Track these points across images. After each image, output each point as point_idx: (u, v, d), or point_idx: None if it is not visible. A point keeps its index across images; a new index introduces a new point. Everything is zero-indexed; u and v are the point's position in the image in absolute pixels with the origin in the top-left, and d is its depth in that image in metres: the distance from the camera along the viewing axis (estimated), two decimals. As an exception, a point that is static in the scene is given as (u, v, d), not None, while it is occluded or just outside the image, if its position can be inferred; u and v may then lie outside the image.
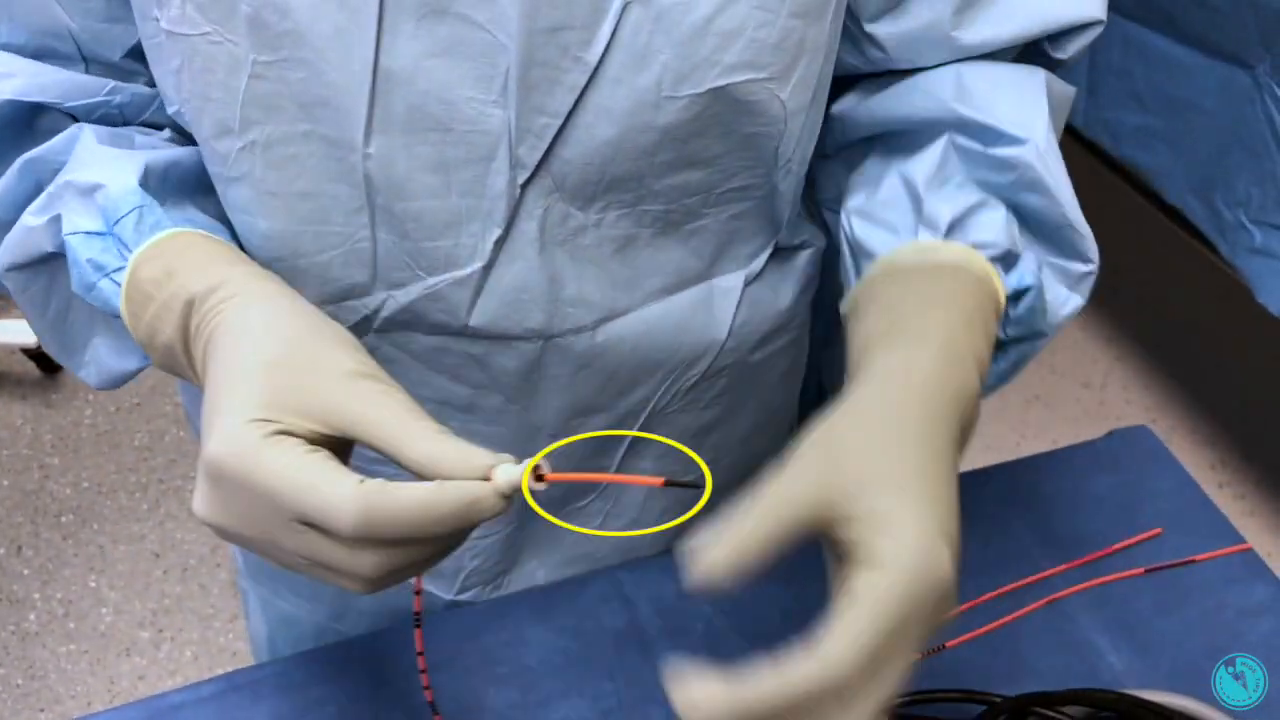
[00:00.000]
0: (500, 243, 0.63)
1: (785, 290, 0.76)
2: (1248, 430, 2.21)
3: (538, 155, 0.61)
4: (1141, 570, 0.81)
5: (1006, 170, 0.62)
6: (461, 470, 0.48)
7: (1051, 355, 2.36)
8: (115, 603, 1.94)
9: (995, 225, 0.61)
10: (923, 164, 0.64)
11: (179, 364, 0.57)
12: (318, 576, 0.49)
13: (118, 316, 0.59)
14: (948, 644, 0.76)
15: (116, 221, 0.59)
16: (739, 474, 0.63)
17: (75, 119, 0.65)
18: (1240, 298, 1.69)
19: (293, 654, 0.76)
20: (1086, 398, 2.29)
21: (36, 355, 2.23)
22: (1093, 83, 1.77)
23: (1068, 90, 0.68)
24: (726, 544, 0.46)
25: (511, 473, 0.48)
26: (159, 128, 0.68)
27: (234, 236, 0.65)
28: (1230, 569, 0.81)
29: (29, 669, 1.85)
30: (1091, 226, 0.62)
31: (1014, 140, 0.62)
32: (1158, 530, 0.83)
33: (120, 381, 0.69)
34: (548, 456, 0.49)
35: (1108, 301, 2.46)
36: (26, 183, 0.64)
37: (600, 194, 0.63)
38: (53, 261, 0.64)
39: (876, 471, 0.47)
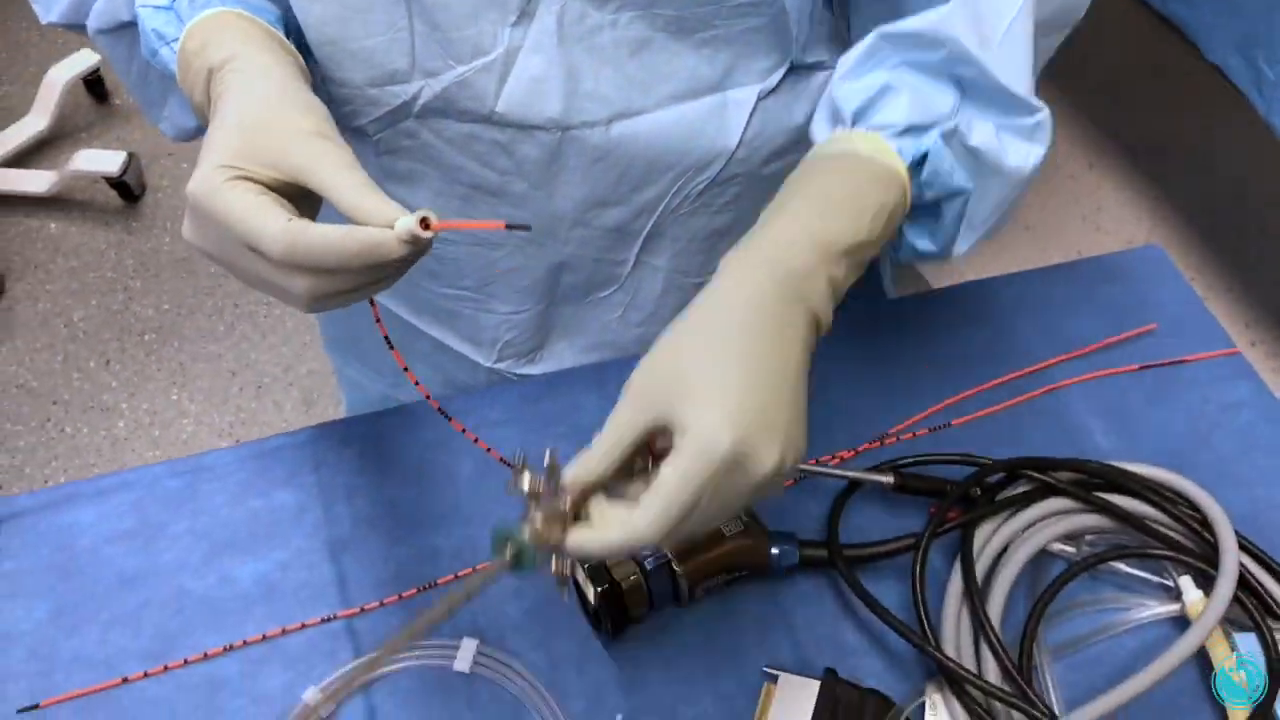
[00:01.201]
0: (521, 33, 0.71)
1: (799, 108, 0.82)
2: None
3: None
4: (1136, 366, 0.89)
5: (935, 48, 0.66)
6: (375, 219, 0.56)
7: (1097, 214, 2.40)
8: (195, 414, 2.08)
9: (898, 107, 0.65)
10: (853, 51, 0.68)
11: (209, 123, 0.67)
12: (268, 293, 0.59)
13: (173, 78, 0.69)
14: (954, 422, 0.85)
15: (174, 1, 0.68)
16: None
17: None
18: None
19: (374, 411, 0.86)
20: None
21: (118, 184, 2.34)
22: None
23: None
24: (586, 467, 0.56)
25: (407, 221, 0.56)
26: None
27: (284, 18, 0.72)
28: (1218, 369, 0.89)
29: (120, 471, 2.00)
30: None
31: (934, 18, 0.65)
32: (1153, 325, 0.90)
33: (191, 136, 0.81)
34: (438, 214, 0.57)
35: (1153, 162, 2.48)
36: None
37: None
38: (131, 28, 0.74)
39: (688, 388, 0.55)
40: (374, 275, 0.58)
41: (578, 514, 0.57)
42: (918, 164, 0.66)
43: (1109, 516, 0.77)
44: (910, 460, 0.80)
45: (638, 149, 0.78)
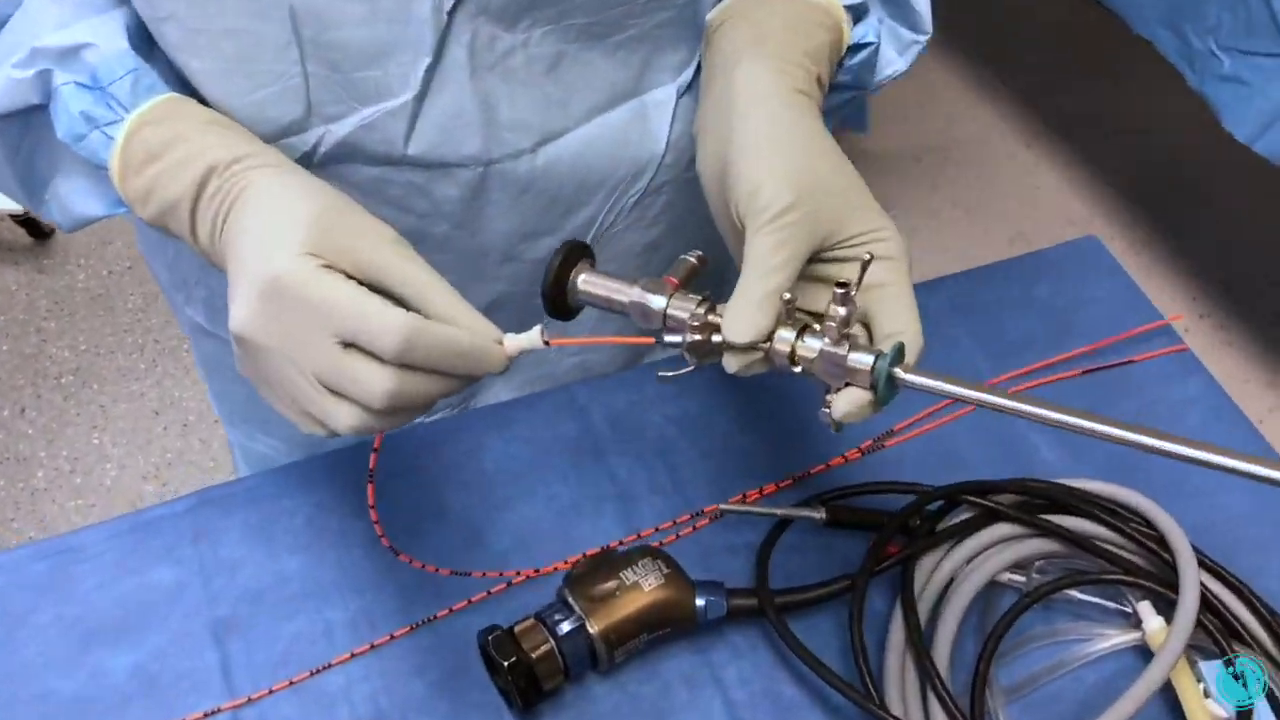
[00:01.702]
0: (431, 70, 0.64)
1: None
2: (1230, 265, 2.22)
3: None
4: (1079, 372, 0.83)
5: None
6: (478, 329, 0.54)
7: (1035, 193, 2.36)
8: (119, 459, 1.99)
9: None
10: None
11: (177, 221, 0.60)
12: (313, 406, 0.53)
13: (100, 167, 0.62)
14: (887, 443, 0.79)
15: (111, 83, 0.60)
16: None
17: None
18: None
19: (265, 471, 0.79)
20: (1072, 233, 2.30)
21: (25, 221, 2.24)
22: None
23: None
24: (750, 323, 0.55)
25: (519, 338, 0.55)
26: None
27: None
28: (1165, 366, 0.84)
29: (40, 523, 1.91)
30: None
31: None
32: (1101, 343, 0.85)
33: (81, 224, 0.70)
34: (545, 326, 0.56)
35: (1090, 138, 2.45)
36: None
37: (524, 11, 0.64)
38: (33, 112, 0.64)
39: (847, 203, 0.58)
40: (458, 388, 0.55)
41: None
42: (854, 49, 0.68)
43: (1058, 540, 0.71)
44: (841, 491, 0.74)
45: (565, 171, 0.72)
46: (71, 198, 0.69)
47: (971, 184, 2.39)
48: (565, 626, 0.66)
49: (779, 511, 0.72)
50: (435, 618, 0.72)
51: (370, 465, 0.61)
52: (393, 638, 0.71)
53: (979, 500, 0.72)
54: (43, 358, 2.13)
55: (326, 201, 0.55)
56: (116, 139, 0.60)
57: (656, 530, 0.76)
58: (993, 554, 0.71)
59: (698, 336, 0.57)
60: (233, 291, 0.54)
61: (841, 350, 0.54)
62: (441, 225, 0.73)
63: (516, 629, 0.67)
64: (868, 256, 0.55)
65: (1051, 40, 2.64)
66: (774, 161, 0.58)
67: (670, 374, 0.57)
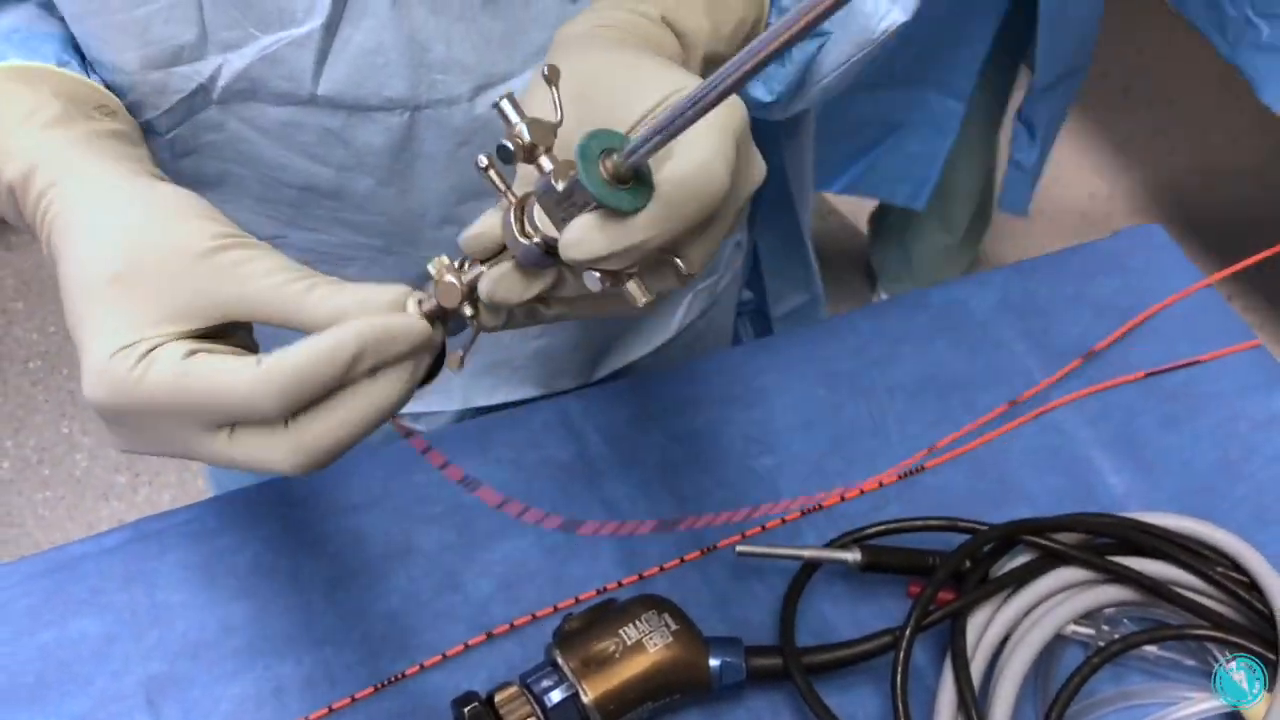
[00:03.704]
0: None
1: None
2: (1257, 241, 2.12)
3: None
4: (1142, 374, 0.73)
5: None
6: (372, 310, 0.43)
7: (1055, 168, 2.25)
8: (89, 448, 1.89)
9: None
10: None
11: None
12: (253, 470, 0.44)
13: None
14: (927, 465, 0.69)
15: None
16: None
17: None
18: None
19: (204, 500, 0.69)
20: (1093, 209, 2.19)
21: (-10, 196, 2.13)
22: None
23: None
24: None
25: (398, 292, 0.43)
26: None
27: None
28: (1241, 373, 0.73)
29: (6, 516, 1.81)
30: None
31: None
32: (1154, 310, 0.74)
33: None
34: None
35: (1118, 106, 2.34)
36: None
37: None
38: None
39: (645, 78, 0.46)
40: (396, 391, 0.43)
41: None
42: None
43: (1131, 587, 0.61)
44: (878, 528, 0.64)
45: None
46: None
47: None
48: (555, 696, 0.56)
49: (806, 553, 0.62)
50: (403, 675, 0.62)
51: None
52: (354, 699, 0.61)
53: (1039, 540, 0.62)
54: (9, 340, 2.03)
55: (121, 243, 0.45)
56: None
57: (661, 570, 0.65)
58: (1056, 604, 0.61)
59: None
60: None
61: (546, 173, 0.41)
62: (364, 180, 0.63)
63: (497, 698, 0.56)
64: (545, 70, 0.42)
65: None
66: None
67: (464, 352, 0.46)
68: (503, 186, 0.43)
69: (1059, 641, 0.62)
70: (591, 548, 0.66)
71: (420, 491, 0.68)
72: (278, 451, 0.42)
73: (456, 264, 0.45)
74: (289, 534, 0.66)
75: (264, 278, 0.44)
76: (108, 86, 0.59)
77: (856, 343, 0.75)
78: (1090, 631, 0.61)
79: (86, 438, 1.90)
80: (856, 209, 2.10)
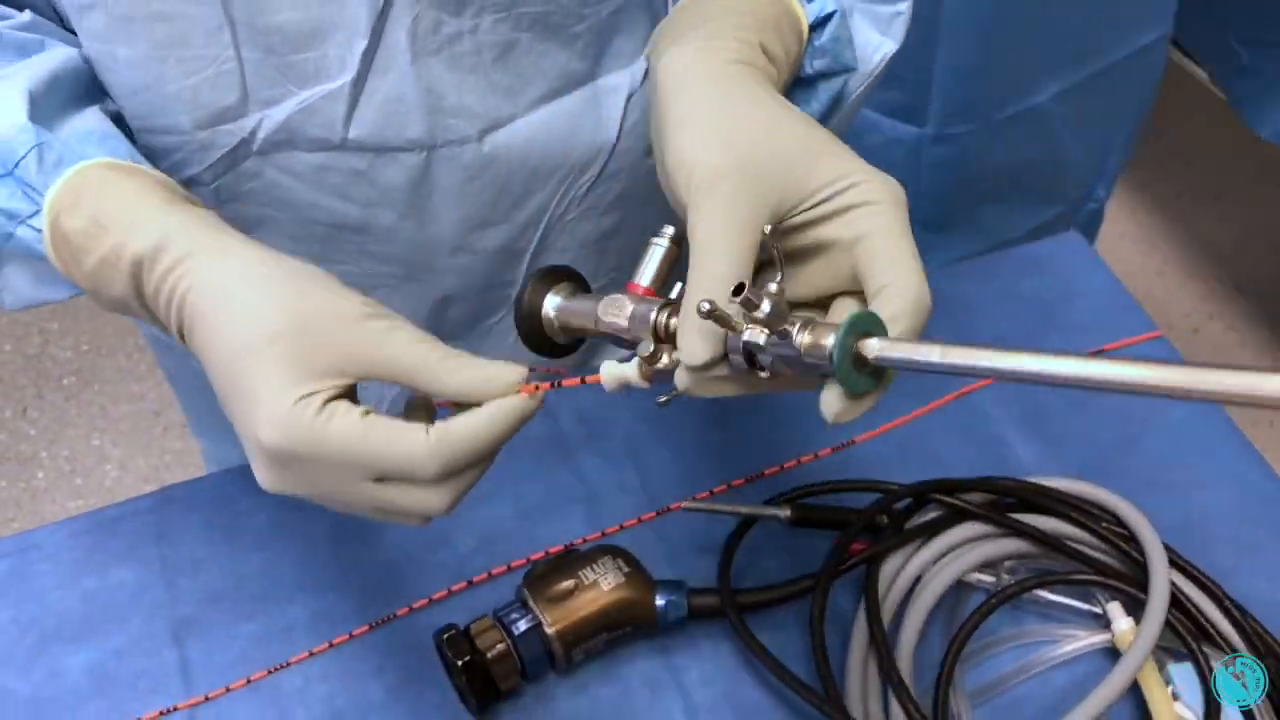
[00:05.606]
0: (369, 53, 0.63)
1: None
2: (1240, 265, 2.20)
3: None
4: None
5: None
6: (498, 390, 0.50)
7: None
8: (119, 459, 1.99)
9: None
10: None
11: (139, 315, 0.56)
12: (389, 519, 0.51)
13: (44, 258, 0.57)
14: (856, 439, 0.78)
15: (16, 165, 0.56)
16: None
17: None
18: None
19: (224, 470, 0.78)
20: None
21: (29, 223, 2.24)
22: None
23: None
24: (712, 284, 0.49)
25: (515, 375, 0.51)
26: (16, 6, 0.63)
27: (124, 128, 0.62)
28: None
29: (41, 523, 1.90)
30: None
31: None
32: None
33: (33, 305, 0.65)
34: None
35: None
36: None
37: None
38: None
39: (806, 153, 0.52)
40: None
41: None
42: (818, 25, 0.63)
43: (1028, 540, 0.70)
44: (809, 489, 0.73)
45: (515, 159, 0.71)
46: (27, 289, 0.64)
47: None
48: (521, 625, 0.65)
49: (743, 509, 0.71)
50: (395, 616, 0.71)
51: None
52: (352, 636, 0.70)
53: (947, 499, 0.71)
54: (45, 358, 2.14)
55: (280, 307, 0.49)
56: (44, 231, 0.56)
57: (622, 528, 0.74)
58: (960, 554, 0.70)
59: (658, 364, 0.51)
60: (242, 440, 0.51)
61: (790, 339, 0.45)
62: (387, 214, 0.72)
63: (472, 628, 0.66)
64: (767, 229, 0.48)
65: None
66: (700, 133, 0.53)
67: (666, 399, 0.53)
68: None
69: (963, 589, 0.70)
70: (562, 510, 0.76)
71: (413, 462, 0.78)
72: (431, 502, 0.49)
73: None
74: (298, 499, 0.76)
75: (409, 345, 0.49)
76: (153, 152, 0.65)
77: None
78: (992, 579, 0.70)
79: (117, 450, 2.00)
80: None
